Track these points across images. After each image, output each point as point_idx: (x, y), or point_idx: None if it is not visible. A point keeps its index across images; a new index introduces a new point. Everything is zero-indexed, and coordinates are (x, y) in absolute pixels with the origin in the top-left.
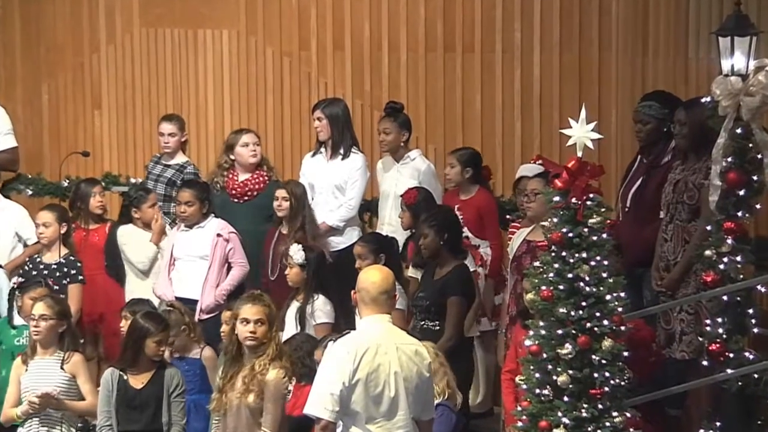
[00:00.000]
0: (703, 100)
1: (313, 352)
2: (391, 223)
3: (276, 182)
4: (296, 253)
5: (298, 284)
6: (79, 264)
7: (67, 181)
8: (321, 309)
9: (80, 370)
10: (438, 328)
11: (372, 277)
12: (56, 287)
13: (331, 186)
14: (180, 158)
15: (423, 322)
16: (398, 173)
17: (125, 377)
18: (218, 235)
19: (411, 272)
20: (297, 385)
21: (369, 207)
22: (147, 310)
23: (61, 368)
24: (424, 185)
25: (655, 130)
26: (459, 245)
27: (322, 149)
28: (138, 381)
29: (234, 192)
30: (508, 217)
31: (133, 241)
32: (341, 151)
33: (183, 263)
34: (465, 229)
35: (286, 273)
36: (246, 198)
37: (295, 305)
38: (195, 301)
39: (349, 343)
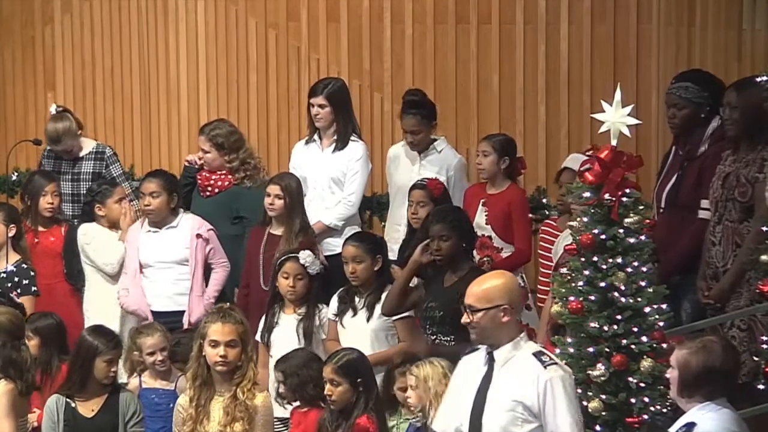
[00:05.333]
0: (758, 79)
1: (320, 375)
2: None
3: (249, 188)
4: (312, 262)
5: (302, 297)
6: (32, 273)
7: (16, 174)
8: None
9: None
10: (454, 342)
11: (518, 282)
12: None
13: (328, 179)
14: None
15: (435, 337)
16: (422, 166)
17: (73, 404)
18: (197, 235)
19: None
20: (297, 410)
21: (370, 204)
22: (95, 324)
23: None
24: (452, 181)
25: (691, 117)
26: (473, 248)
27: (317, 137)
28: (88, 408)
29: (199, 182)
30: (530, 216)
31: (97, 240)
32: (342, 140)
33: (154, 271)
34: (489, 228)
35: (291, 285)
36: (207, 193)
37: (292, 318)
38: (171, 314)
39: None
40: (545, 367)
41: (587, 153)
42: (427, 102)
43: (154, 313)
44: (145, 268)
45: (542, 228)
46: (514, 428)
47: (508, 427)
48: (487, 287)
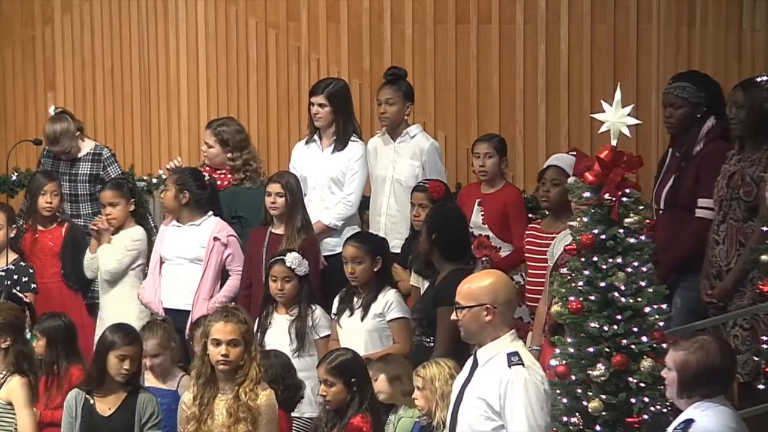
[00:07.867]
0: (759, 79)
1: (293, 383)
2: (389, 213)
3: (248, 188)
4: (299, 263)
5: (292, 299)
6: (30, 270)
7: (16, 174)
8: (322, 321)
9: (18, 396)
10: (434, 344)
11: (508, 282)
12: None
13: (327, 179)
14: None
15: (420, 338)
16: (396, 153)
17: (91, 401)
18: (215, 238)
19: (413, 280)
20: None
21: (369, 204)
22: (117, 322)
23: None
24: (427, 167)
25: (688, 117)
26: (455, 247)
27: (316, 137)
28: (106, 406)
29: None
30: (531, 216)
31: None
32: (341, 140)
33: (171, 266)
34: (486, 227)
35: (279, 288)
36: None
37: (284, 319)
38: (183, 312)
39: (541, 370)
40: (510, 367)
41: (571, 153)
42: (407, 81)
43: (165, 309)
44: (163, 263)
45: (527, 232)
46: (478, 425)
47: (473, 424)
48: (472, 285)
